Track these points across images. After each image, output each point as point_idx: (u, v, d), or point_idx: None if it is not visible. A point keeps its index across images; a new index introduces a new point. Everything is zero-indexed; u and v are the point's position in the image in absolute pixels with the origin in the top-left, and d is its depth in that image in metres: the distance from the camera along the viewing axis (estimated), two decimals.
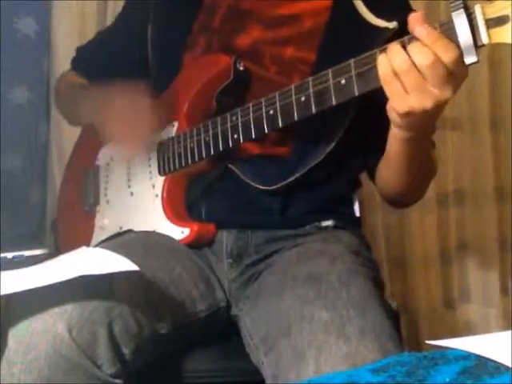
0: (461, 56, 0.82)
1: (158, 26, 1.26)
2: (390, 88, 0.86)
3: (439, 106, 0.85)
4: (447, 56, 0.82)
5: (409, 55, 0.84)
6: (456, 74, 0.83)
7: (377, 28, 1.09)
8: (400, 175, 1.08)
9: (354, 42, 1.08)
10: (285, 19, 1.16)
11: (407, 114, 0.87)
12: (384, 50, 0.88)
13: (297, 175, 1.10)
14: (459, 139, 2.08)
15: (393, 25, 1.07)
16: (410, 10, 1.15)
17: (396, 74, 0.84)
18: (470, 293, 2.14)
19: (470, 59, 0.82)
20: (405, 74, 0.84)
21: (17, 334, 0.87)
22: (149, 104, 1.15)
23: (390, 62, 0.85)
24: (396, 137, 0.97)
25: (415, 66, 0.83)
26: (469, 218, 2.12)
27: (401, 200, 1.20)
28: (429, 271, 2.08)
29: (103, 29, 1.48)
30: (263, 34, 1.17)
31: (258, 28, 1.17)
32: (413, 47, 0.84)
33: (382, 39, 1.04)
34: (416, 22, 0.85)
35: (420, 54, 0.83)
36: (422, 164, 1.07)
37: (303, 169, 1.10)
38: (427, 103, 0.84)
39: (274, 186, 1.10)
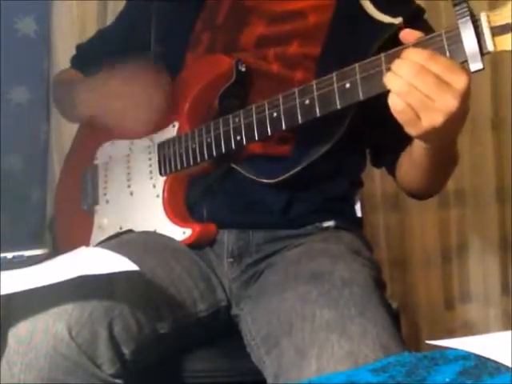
0: (449, 63, 0.82)
1: (160, 25, 1.25)
2: (403, 116, 0.85)
3: (450, 120, 0.83)
4: (431, 63, 0.82)
5: (400, 75, 0.83)
6: (449, 81, 0.82)
7: (382, 23, 1.09)
8: (422, 176, 1.08)
9: (359, 38, 1.08)
10: (289, 15, 1.16)
11: (421, 137, 0.88)
12: (390, 55, 0.88)
13: (300, 167, 1.09)
14: (460, 138, 2.06)
15: (398, 20, 1.07)
16: (414, 5, 1.16)
17: (404, 101, 0.83)
18: (470, 292, 2.13)
19: (475, 66, 0.83)
20: (406, 96, 0.83)
21: (17, 334, 0.87)
22: (152, 77, 1.15)
23: (394, 91, 0.84)
24: (418, 146, 0.98)
25: (411, 84, 0.82)
26: (469, 218, 2.12)
27: (421, 195, 1.20)
28: (429, 271, 2.07)
29: (104, 27, 1.48)
30: (267, 29, 1.17)
31: (262, 24, 1.17)
32: (395, 65, 0.84)
33: (387, 35, 1.04)
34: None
35: (405, 67, 0.83)
36: (446, 164, 1.07)
37: (305, 163, 1.10)
38: (437, 120, 0.83)
39: (278, 179, 1.10)
